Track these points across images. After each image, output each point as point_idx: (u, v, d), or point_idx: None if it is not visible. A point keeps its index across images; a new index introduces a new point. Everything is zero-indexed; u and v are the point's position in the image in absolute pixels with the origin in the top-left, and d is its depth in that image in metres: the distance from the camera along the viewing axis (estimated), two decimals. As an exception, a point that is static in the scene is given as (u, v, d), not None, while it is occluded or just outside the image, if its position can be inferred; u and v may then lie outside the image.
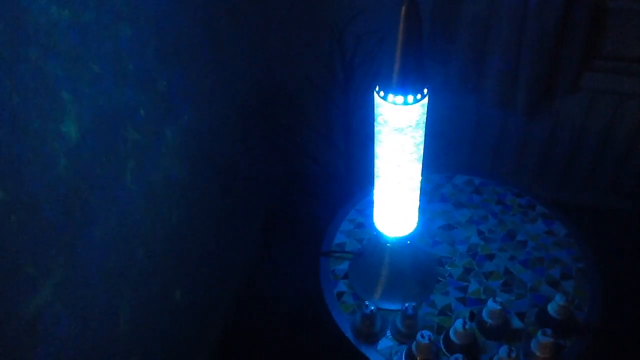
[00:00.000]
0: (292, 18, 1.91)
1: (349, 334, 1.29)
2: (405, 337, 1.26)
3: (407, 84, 1.01)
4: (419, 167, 1.17)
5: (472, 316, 1.30)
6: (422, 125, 1.10)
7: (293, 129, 2.12)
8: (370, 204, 1.31)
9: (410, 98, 1.03)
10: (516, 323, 1.28)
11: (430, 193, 1.60)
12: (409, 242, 1.30)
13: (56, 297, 1.00)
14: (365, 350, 1.26)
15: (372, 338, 1.27)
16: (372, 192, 1.26)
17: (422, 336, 1.17)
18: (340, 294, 1.37)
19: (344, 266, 1.44)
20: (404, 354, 1.23)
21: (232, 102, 1.76)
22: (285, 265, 2.00)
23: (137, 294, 1.33)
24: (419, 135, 1.11)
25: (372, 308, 1.25)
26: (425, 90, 1.04)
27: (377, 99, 1.07)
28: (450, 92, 1.96)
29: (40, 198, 0.92)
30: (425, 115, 1.08)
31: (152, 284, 1.41)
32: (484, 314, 1.25)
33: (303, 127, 2.08)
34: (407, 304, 1.24)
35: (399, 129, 1.08)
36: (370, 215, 1.31)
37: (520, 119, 2.02)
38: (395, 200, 1.21)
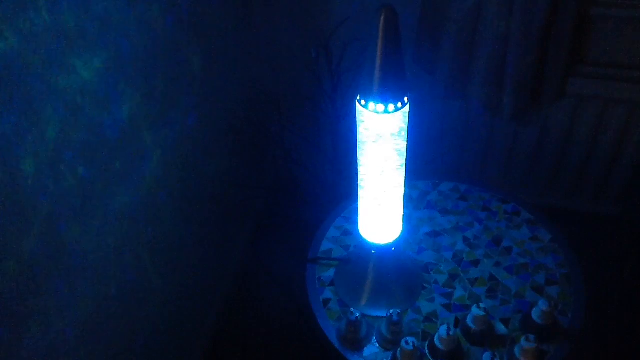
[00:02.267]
0: (279, 26, 1.92)
1: (334, 341, 1.29)
2: (390, 343, 1.26)
3: (387, 93, 1.02)
4: (402, 174, 1.18)
5: (457, 322, 1.31)
6: (404, 134, 1.11)
7: (281, 136, 2.12)
8: (357, 211, 1.32)
9: (390, 107, 1.03)
10: (500, 329, 1.29)
11: (417, 200, 1.61)
12: (393, 249, 1.31)
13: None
14: (350, 356, 1.26)
15: (357, 344, 1.27)
16: (357, 199, 1.27)
17: (407, 342, 1.18)
18: (326, 301, 1.38)
19: (330, 273, 1.44)
20: (389, 361, 1.23)
21: (220, 110, 1.77)
22: (273, 271, 2.00)
23: (124, 300, 1.33)
24: (402, 143, 1.12)
25: (358, 315, 1.25)
26: (406, 99, 1.05)
27: (358, 107, 1.07)
28: (437, 98, 1.98)
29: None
30: (407, 124, 1.09)
31: (141, 289, 1.41)
32: (469, 320, 1.26)
33: (291, 134, 2.08)
34: (392, 311, 1.24)
35: (381, 137, 1.09)
36: (356, 223, 1.32)
37: (506, 125, 2.03)
38: (379, 208, 1.22)
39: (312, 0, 1.83)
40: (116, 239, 1.26)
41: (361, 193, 1.24)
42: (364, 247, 1.35)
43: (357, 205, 1.29)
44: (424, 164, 2.13)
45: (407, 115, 1.07)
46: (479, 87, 1.85)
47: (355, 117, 1.11)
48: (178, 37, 1.45)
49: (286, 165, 2.29)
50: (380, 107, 1.03)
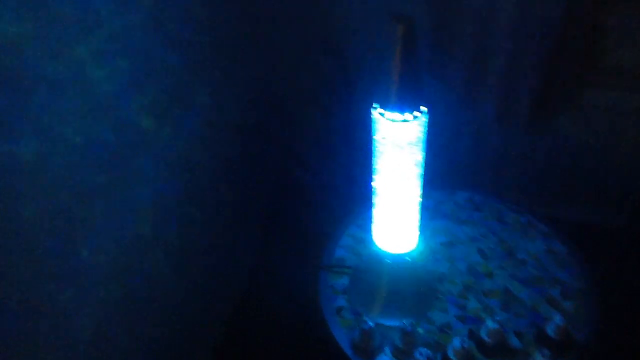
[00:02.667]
0: (292, 30, 1.92)
1: (347, 350, 1.28)
2: (403, 354, 1.25)
3: (405, 102, 1.02)
4: (418, 184, 1.17)
5: (471, 334, 1.29)
6: (421, 143, 1.10)
7: (293, 141, 2.12)
8: (371, 219, 1.31)
9: (408, 115, 1.03)
10: (514, 343, 1.28)
11: (431, 209, 1.60)
12: (409, 259, 1.30)
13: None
14: (362, 366, 1.25)
15: (370, 354, 1.26)
16: (372, 207, 1.26)
17: (420, 354, 1.17)
18: (339, 309, 1.37)
19: (343, 281, 1.43)
20: (401, 372, 1.22)
21: (229, 112, 1.76)
22: (283, 277, 1.99)
23: (132, 303, 1.33)
24: (418, 152, 1.11)
25: (371, 324, 1.24)
26: (424, 108, 1.04)
27: (375, 115, 1.07)
28: (450, 107, 1.97)
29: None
30: (425, 133, 1.08)
31: (148, 294, 1.41)
32: (483, 332, 1.24)
33: (302, 139, 2.08)
34: (405, 321, 1.23)
35: (398, 146, 1.08)
36: (370, 231, 1.31)
37: (520, 135, 2.02)
38: (395, 217, 1.21)
39: (329, 5, 1.82)
40: (130, 241, 1.26)
41: (376, 201, 1.23)
42: (378, 256, 1.34)
43: (372, 213, 1.28)
44: (436, 173, 2.12)
45: (425, 124, 1.07)
46: (492, 97, 1.84)
47: (371, 124, 1.10)
48: (192, 40, 1.45)
49: (296, 170, 2.28)
50: (398, 115, 1.03)
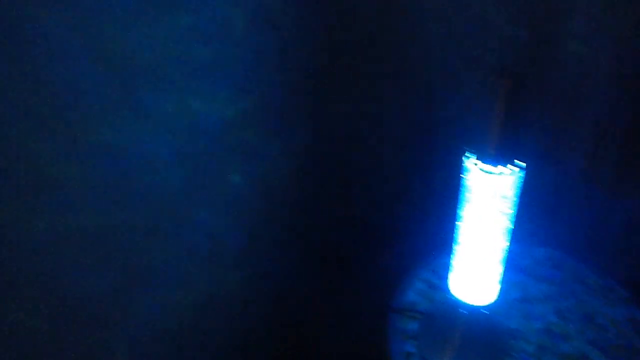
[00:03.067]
0: (384, 73, 1.93)
1: (413, 398, 1.26)
2: (471, 409, 1.22)
3: (503, 155, 1.01)
4: (505, 237, 1.16)
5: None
6: (513, 196, 1.09)
7: (364, 174, 2.13)
8: (447, 266, 1.30)
9: (502, 168, 1.02)
10: (592, 412, 1.22)
11: (508, 262, 1.56)
12: (485, 312, 1.28)
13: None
14: (429, 417, 1.22)
15: (436, 405, 1.24)
16: (451, 254, 1.25)
17: (491, 412, 1.13)
18: (408, 355, 1.35)
19: (413, 326, 1.42)
20: None
21: (302, 142, 1.78)
22: (351, 317, 1.98)
23: (202, 310, 1.35)
24: (509, 206, 1.10)
25: (440, 374, 1.22)
26: (520, 162, 1.03)
27: (468, 164, 1.07)
28: (534, 161, 1.93)
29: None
30: (518, 187, 1.07)
31: (216, 303, 1.43)
32: (558, 397, 1.20)
33: (378, 176, 2.09)
34: (477, 376, 1.20)
35: (488, 197, 1.07)
36: (445, 278, 1.29)
37: (604, 193, 1.95)
38: (476, 268, 1.20)
39: (417, 47, 1.84)
40: (202, 252, 1.30)
41: (458, 249, 1.22)
42: (453, 305, 1.32)
43: (450, 259, 1.27)
44: (515, 226, 2.07)
45: (518, 178, 1.06)
46: (579, 150, 1.80)
47: (457, 170, 1.10)
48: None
49: (369, 207, 2.28)
50: (491, 167, 1.03)
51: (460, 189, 1.13)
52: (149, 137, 1.05)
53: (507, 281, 1.51)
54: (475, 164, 1.05)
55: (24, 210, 0.91)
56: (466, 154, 1.07)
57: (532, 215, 2.06)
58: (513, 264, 1.56)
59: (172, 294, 1.23)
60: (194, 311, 1.33)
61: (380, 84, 1.89)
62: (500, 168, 1.02)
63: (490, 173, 1.03)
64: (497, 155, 1.01)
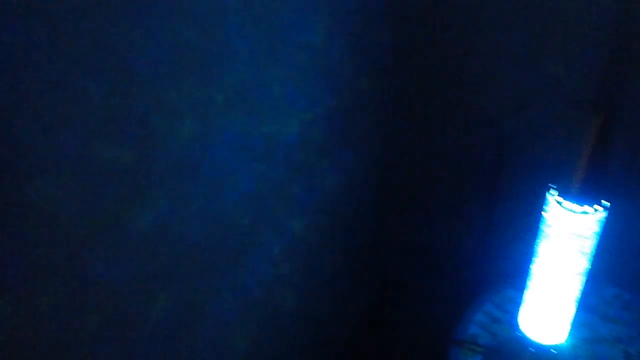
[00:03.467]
0: (451, 102, 1.92)
1: None
2: None
3: (589, 194, 0.99)
4: (581, 277, 1.13)
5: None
6: (594, 236, 1.06)
7: (427, 201, 2.11)
8: (511, 300, 1.27)
9: (588, 208, 1.00)
10: None
11: (576, 301, 1.52)
12: (554, 351, 1.24)
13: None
14: None
15: None
16: (514, 288, 1.22)
17: None
18: (469, 389, 1.32)
19: None
20: None
21: (367, 170, 1.79)
22: (413, 348, 1.95)
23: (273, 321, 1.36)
24: (589, 246, 1.07)
25: (505, 412, 1.19)
26: (606, 202, 1.01)
27: (550, 201, 1.05)
28: (617, 200, 1.88)
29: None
30: (601, 227, 1.05)
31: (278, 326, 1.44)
32: None
33: (440, 202, 2.07)
34: (543, 417, 1.17)
35: (570, 235, 1.05)
36: (510, 312, 1.27)
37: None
38: (549, 306, 1.17)
39: (489, 79, 1.82)
40: (271, 280, 1.31)
41: (531, 285, 1.19)
42: (520, 342, 1.29)
43: (513, 294, 1.24)
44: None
45: (603, 218, 1.03)
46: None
47: (527, 204, 1.08)
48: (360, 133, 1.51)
49: (430, 235, 2.26)
50: (577, 207, 1.00)
51: (538, 224, 1.11)
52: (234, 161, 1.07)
53: (576, 320, 1.47)
54: (559, 201, 1.03)
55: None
56: (550, 190, 1.05)
57: (603, 253, 1.99)
58: (581, 302, 1.51)
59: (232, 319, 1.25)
60: (251, 333, 1.35)
61: (449, 112, 1.88)
62: (584, 207, 1.00)
63: (574, 212, 1.01)
64: (583, 193, 0.99)
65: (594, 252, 1.10)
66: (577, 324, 1.46)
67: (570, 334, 1.43)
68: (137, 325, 0.92)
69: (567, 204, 1.01)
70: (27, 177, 0.67)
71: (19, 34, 0.62)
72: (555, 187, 1.04)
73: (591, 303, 1.52)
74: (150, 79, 0.81)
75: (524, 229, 1.69)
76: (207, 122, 0.95)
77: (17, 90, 0.63)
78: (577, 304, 1.19)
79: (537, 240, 1.13)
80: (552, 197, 1.04)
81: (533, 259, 1.16)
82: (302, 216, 1.39)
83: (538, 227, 1.12)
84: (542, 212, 1.09)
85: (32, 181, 0.68)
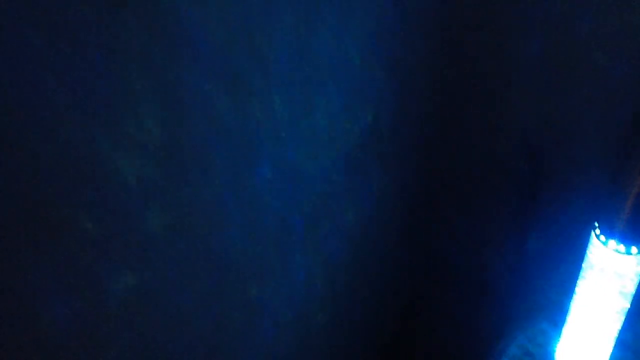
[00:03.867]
0: (489, 126, 1.93)
1: None
2: None
3: (636, 236, 0.98)
4: (620, 317, 1.12)
5: None
6: (636, 277, 1.06)
7: (459, 228, 2.11)
8: (544, 333, 1.26)
9: (634, 249, 1.00)
10: None
11: (614, 339, 1.50)
12: (590, 389, 1.23)
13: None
14: None
15: None
16: (547, 320, 1.22)
17: None
18: (500, 423, 1.31)
19: (506, 392, 1.38)
20: None
21: (400, 193, 1.79)
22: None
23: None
24: (630, 285, 1.07)
25: None
26: (651, 244, 1.00)
27: (593, 240, 1.05)
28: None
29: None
30: (645, 268, 1.04)
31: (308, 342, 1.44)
32: None
33: (471, 228, 2.06)
34: None
35: (612, 275, 1.05)
36: (543, 346, 1.26)
37: None
38: (585, 343, 1.16)
39: (529, 105, 1.82)
40: (302, 297, 1.32)
41: (569, 321, 1.19)
42: (554, 378, 1.28)
43: (545, 326, 1.23)
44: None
45: (646, 259, 1.03)
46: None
47: (563, 235, 1.08)
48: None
49: (458, 257, 2.25)
50: (622, 247, 1.00)
51: (575, 258, 1.11)
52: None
53: (611, 357, 1.45)
54: (602, 240, 1.02)
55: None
56: (595, 231, 1.05)
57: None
58: (617, 339, 1.50)
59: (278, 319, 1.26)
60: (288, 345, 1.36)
61: (486, 137, 1.89)
62: (630, 248, 0.99)
63: (618, 251, 1.00)
64: (628, 233, 0.99)
65: (635, 292, 1.10)
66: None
67: (605, 371, 1.41)
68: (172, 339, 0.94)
69: (611, 243, 1.01)
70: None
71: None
72: (599, 225, 1.04)
73: (626, 339, 1.50)
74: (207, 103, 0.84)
75: (560, 261, 1.68)
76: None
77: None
78: (614, 342, 1.18)
79: (577, 276, 1.12)
80: (596, 235, 1.04)
81: (572, 294, 1.15)
82: (335, 237, 1.40)
83: (575, 260, 1.12)
84: (585, 249, 1.08)
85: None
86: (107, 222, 0.73)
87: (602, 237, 1.02)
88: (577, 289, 1.14)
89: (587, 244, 1.08)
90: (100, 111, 0.67)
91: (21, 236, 0.63)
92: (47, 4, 0.57)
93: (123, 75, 0.68)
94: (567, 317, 1.19)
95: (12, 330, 0.64)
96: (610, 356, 1.45)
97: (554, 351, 1.26)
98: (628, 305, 1.11)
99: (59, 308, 0.70)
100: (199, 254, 0.93)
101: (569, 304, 1.17)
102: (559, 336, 1.23)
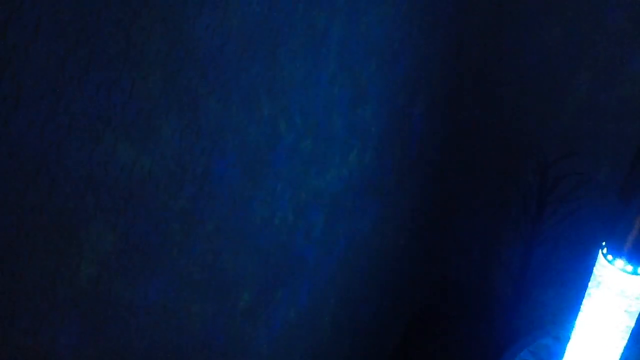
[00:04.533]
0: (498, 144, 1.94)
1: None
2: None
3: (642, 256, 1.00)
4: (625, 336, 1.13)
5: None
6: (643, 296, 1.07)
7: (465, 242, 2.12)
8: (547, 348, 1.27)
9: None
10: None
11: (619, 357, 1.51)
12: (592, 405, 1.24)
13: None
14: None
15: None
16: (549, 335, 1.23)
17: None
18: None
19: (508, 406, 1.39)
20: None
21: (400, 209, 1.80)
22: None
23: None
24: (636, 305, 1.08)
25: None
26: (658, 265, 1.01)
27: (600, 259, 1.06)
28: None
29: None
30: (651, 288, 1.05)
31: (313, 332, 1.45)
32: None
33: (477, 242, 2.07)
34: None
35: (618, 294, 1.06)
36: (549, 363, 1.27)
37: None
38: (589, 359, 1.17)
39: (537, 125, 1.84)
40: (301, 310, 1.33)
41: (575, 338, 1.20)
42: (557, 393, 1.29)
43: (548, 341, 1.24)
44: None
45: (653, 280, 1.04)
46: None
47: (568, 253, 1.09)
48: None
49: (462, 271, 2.26)
50: (629, 267, 1.01)
51: (580, 276, 1.12)
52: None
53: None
54: (610, 260, 1.04)
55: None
56: (602, 250, 1.06)
57: None
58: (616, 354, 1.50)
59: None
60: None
61: (495, 154, 1.90)
62: (637, 268, 1.01)
63: (625, 271, 1.02)
64: (635, 253, 1.00)
65: (641, 312, 1.11)
66: (614, 378, 1.45)
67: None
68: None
69: (618, 262, 1.02)
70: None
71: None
72: (606, 244, 1.05)
73: (631, 356, 1.51)
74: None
75: (566, 277, 1.69)
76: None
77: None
78: (618, 358, 1.19)
79: (582, 293, 1.14)
80: (603, 254, 1.05)
81: (577, 311, 1.16)
82: (342, 247, 1.41)
83: (581, 278, 1.13)
84: (591, 267, 1.10)
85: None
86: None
87: (610, 257, 1.04)
88: (582, 307, 1.15)
89: (594, 261, 1.09)
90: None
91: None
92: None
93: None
94: (571, 334, 1.20)
95: None
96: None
97: (557, 367, 1.27)
98: (633, 324, 1.12)
99: None
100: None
101: (574, 320, 1.18)
102: (563, 352, 1.24)
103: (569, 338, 1.21)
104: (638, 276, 1.01)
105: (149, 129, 0.70)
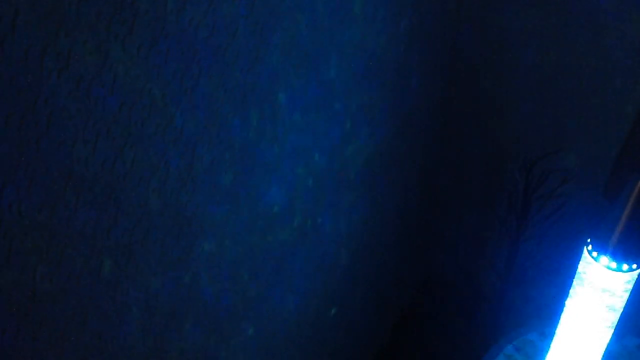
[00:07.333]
0: (484, 142, 1.93)
1: None
2: None
3: (627, 253, 1.00)
4: (609, 331, 1.14)
5: None
6: (626, 293, 1.07)
7: (452, 237, 2.13)
8: (531, 343, 1.29)
9: (625, 266, 1.02)
10: None
11: (602, 353, 1.53)
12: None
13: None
14: None
15: None
16: (534, 330, 1.24)
17: None
18: None
19: (493, 401, 1.40)
20: None
21: (390, 207, 1.79)
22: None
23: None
24: (619, 302, 1.08)
25: None
26: (641, 261, 1.02)
27: (585, 255, 1.07)
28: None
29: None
30: (634, 285, 1.06)
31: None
32: None
33: (464, 238, 2.08)
34: None
35: (601, 291, 1.06)
36: (530, 356, 1.28)
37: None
38: (574, 356, 1.18)
39: (524, 124, 1.84)
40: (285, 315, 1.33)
41: (558, 334, 1.21)
42: (541, 388, 1.30)
43: (533, 336, 1.26)
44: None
45: (635, 277, 1.05)
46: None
47: (554, 249, 1.10)
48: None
49: (449, 266, 2.27)
50: (613, 264, 1.02)
51: (565, 272, 1.13)
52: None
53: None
54: (594, 257, 1.04)
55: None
56: (587, 247, 1.07)
57: (627, 305, 1.99)
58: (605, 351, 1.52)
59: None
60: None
61: (481, 152, 1.91)
62: (621, 265, 1.01)
63: (609, 268, 1.02)
64: (620, 251, 1.01)
65: (624, 308, 1.12)
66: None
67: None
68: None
69: (603, 259, 1.03)
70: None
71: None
72: (591, 241, 1.05)
73: (614, 351, 1.52)
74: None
75: (550, 273, 1.70)
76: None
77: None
78: (602, 355, 1.20)
79: (567, 289, 1.14)
80: (588, 251, 1.06)
81: (562, 307, 1.17)
82: (326, 246, 1.41)
83: (566, 274, 1.14)
84: (576, 264, 1.10)
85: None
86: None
87: (594, 253, 1.04)
88: (567, 302, 1.16)
89: (579, 258, 1.10)
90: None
91: None
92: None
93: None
94: (556, 329, 1.21)
95: None
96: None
97: (542, 362, 1.28)
98: (616, 321, 1.13)
99: None
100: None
101: (559, 316, 1.19)
102: (548, 348, 1.25)
103: (553, 334, 1.22)
104: (622, 273, 1.02)
105: (131, 123, 0.69)
